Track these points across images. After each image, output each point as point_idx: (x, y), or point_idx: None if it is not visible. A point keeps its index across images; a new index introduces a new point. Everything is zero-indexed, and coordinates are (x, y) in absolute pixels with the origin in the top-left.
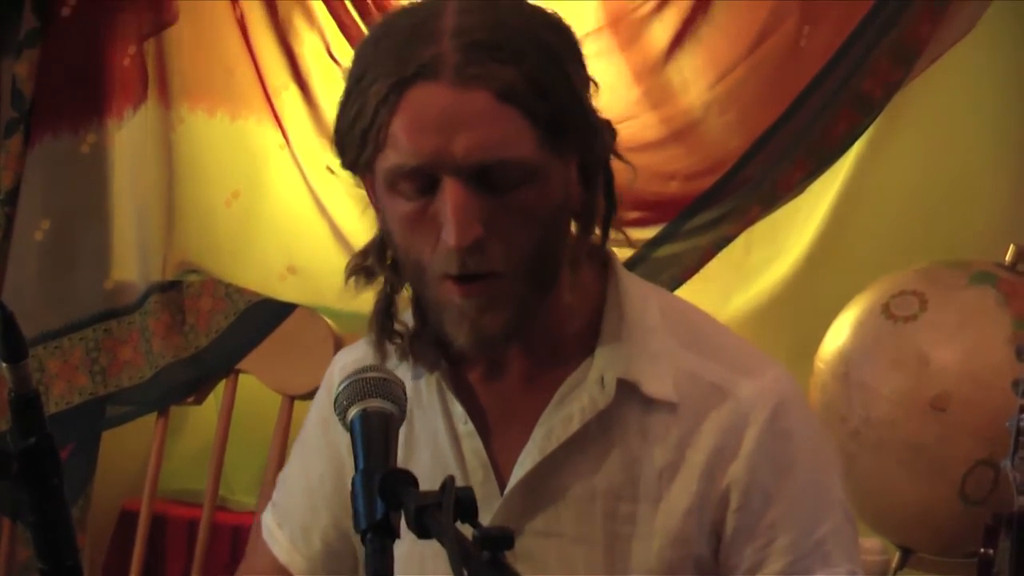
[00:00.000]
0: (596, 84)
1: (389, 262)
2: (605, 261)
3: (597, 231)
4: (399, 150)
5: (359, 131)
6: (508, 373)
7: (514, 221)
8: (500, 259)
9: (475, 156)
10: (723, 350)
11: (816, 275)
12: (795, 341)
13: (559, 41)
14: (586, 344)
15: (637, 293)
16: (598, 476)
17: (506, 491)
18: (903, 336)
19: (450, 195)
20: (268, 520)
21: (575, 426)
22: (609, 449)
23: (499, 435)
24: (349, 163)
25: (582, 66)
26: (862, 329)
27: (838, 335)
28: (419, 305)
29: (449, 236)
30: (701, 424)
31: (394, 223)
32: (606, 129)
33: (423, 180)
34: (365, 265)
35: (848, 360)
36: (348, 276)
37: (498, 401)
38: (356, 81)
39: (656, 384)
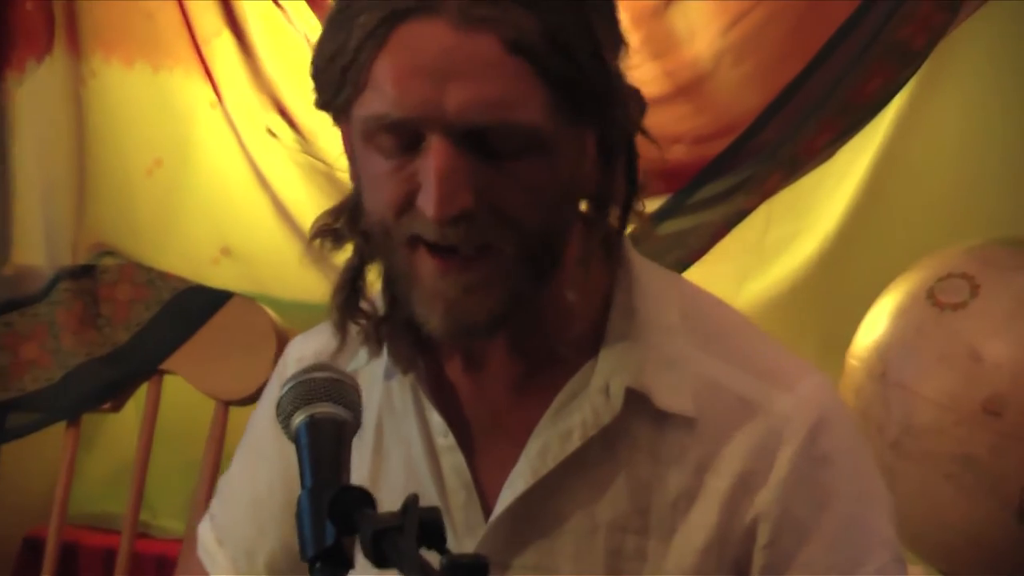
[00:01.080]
0: (627, 44)
1: (363, 226)
2: (614, 244)
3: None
4: (382, 96)
5: (338, 67)
6: (497, 376)
7: (512, 195)
8: (493, 234)
9: (470, 113)
10: (752, 354)
11: (847, 255)
12: (823, 334)
13: None
14: (589, 344)
15: (653, 284)
16: (601, 504)
17: (492, 518)
18: (950, 327)
19: (435, 156)
20: (206, 535)
21: (575, 443)
22: (614, 472)
23: (485, 450)
24: (323, 103)
25: (613, 22)
26: (902, 319)
27: (874, 327)
28: (390, 283)
29: (428, 204)
30: (724, 444)
31: (366, 179)
32: (633, 99)
33: (406, 135)
34: (334, 227)
35: (886, 357)
36: (313, 237)
37: (484, 410)
38: (341, 9)
39: (671, 395)
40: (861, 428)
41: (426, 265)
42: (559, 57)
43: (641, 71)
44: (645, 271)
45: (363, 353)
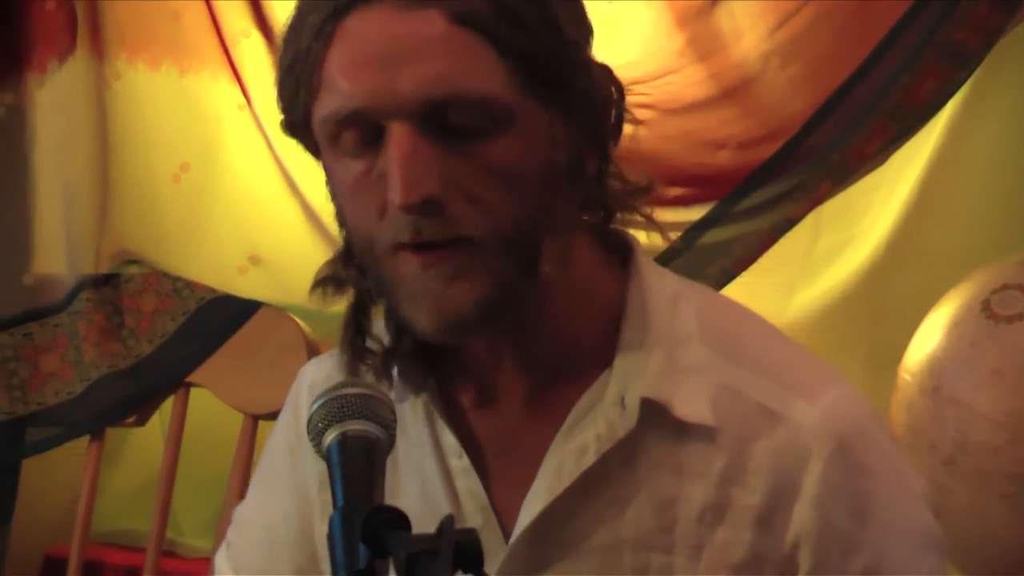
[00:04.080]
0: (591, 27)
1: (356, 260)
2: (625, 250)
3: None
4: (335, 92)
5: (294, 77)
6: (507, 394)
7: (485, 180)
8: (468, 224)
9: (424, 90)
10: (773, 361)
11: (899, 266)
12: (874, 348)
13: None
14: (602, 356)
15: (666, 291)
16: (623, 521)
17: (511, 540)
18: (1007, 340)
19: (396, 142)
20: (221, 563)
21: (590, 459)
22: (635, 488)
23: (500, 472)
24: (287, 123)
25: (575, 4)
26: (956, 332)
27: (927, 340)
28: (391, 311)
29: (394, 192)
30: (747, 455)
31: (340, 191)
32: (604, 75)
33: (366, 128)
34: (331, 274)
35: (939, 371)
36: (314, 287)
37: (497, 430)
38: (294, 20)
39: (690, 405)
40: (913, 445)
41: (408, 264)
42: (509, 26)
43: (685, 73)
44: (656, 277)
45: (373, 379)
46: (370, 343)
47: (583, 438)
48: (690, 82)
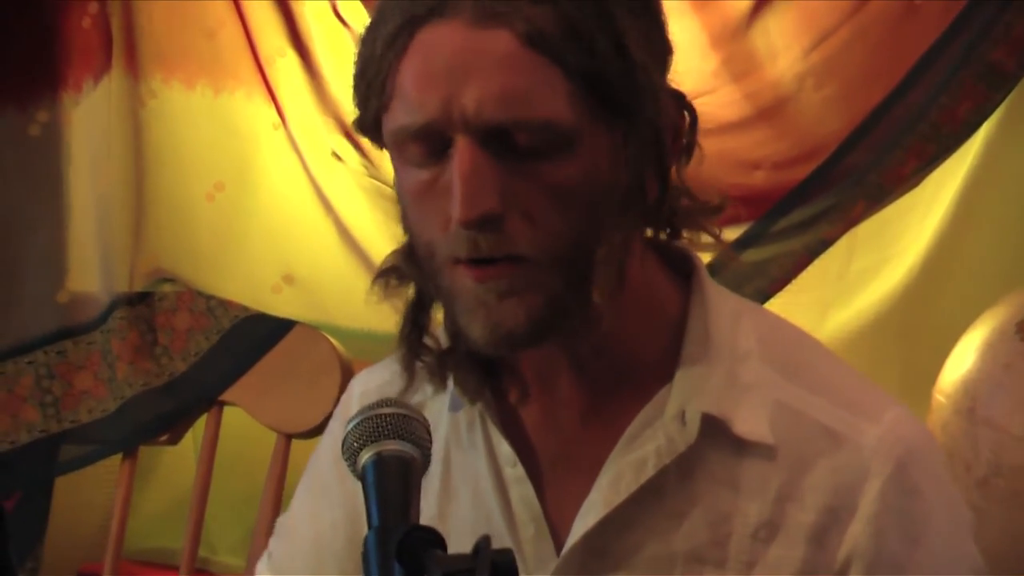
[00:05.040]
0: (670, 47)
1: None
2: (688, 269)
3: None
4: (405, 104)
5: (366, 82)
6: (565, 405)
7: (544, 199)
8: (524, 242)
9: (489, 110)
10: (833, 383)
11: (934, 287)
12: (908, 368)
13: None
14: (662, 371)
15: (727, 308)
16: (678, 535)
17: (564, 551)
18: None
19: (458, 158)
20: (263, 573)
21: (649, 472)
22: (691, 502)
23: (555, 482)
24: (359, 123)
25: (647, 18)
26: (991, 354)
27: (961, 362)
28: (448, 318)
29: (455, 207)
30: (806, 474)
31: (406, 197)
32: (674, 99)
33: (433, 141)
34: (396, 265)
35: (973, 393)
36: (378, 277)
37: (553, 440)
38: (371, 24)
39: (750, 422)
40: (947, 466)
41: (464, 278)
42: (577, 48)
43: (720, 94)
44: (720, 296)
45: (428, 386)
46: (427, 340)
47: (642, 451)
48: (725, 102)
